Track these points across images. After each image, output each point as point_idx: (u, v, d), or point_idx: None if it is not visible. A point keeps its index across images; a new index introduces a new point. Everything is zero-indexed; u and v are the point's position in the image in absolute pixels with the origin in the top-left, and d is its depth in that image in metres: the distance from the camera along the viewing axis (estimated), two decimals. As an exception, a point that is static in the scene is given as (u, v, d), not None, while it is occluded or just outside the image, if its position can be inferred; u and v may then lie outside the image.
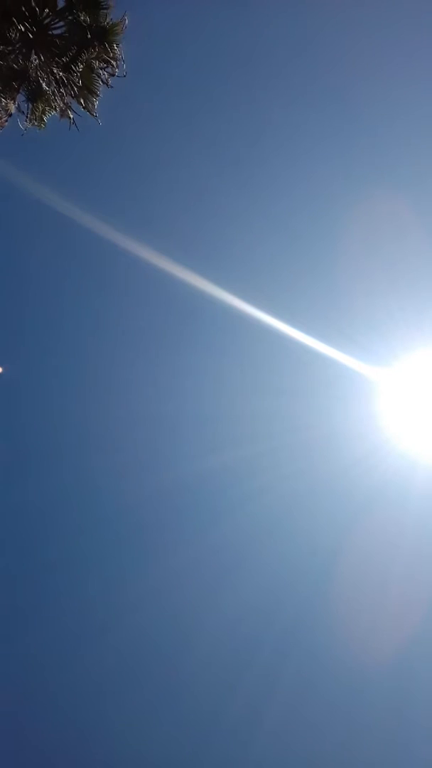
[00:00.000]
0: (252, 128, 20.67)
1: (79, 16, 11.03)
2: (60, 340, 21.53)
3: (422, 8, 18.69)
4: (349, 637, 20.75)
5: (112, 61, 11.58)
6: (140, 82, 17.65)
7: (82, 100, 11.86)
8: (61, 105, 11.94)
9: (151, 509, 21.53)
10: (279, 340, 20.39)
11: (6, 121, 11.53)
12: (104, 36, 11.28)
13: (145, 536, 21.76)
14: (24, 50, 11.16)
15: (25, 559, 21.07)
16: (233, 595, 21.32)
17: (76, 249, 20.61)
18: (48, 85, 11.62)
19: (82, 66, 11.41)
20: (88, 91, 11.82)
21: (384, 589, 21.34)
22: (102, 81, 11.85)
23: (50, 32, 11.31)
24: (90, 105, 11.97)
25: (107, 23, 11.27)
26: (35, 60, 11.33)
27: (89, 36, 11.15)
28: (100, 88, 11.93)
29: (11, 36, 10.77)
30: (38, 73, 11.47)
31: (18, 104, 11.78)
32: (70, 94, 11.76)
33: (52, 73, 11.45)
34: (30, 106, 12.03)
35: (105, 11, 11.18)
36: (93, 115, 12.07)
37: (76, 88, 11.68)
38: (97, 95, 11.97)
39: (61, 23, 11.29)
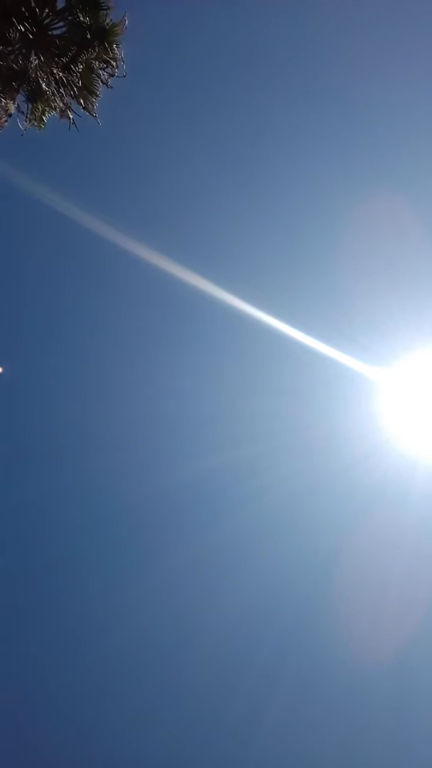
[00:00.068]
0: (252, 128, 20.69)
1: (79, 17, 11.03)
2: (60, 340, 21.55)
3: (422, 8, 18.70)
4: (349, 637, 20.76)
5: (112, 62, 11.57)
6: (140, 83, 17.66)
7: (81, 101, 11.85)
8: (61, 105, 11.94)
9: (151, 509, 21.55)
10: (279, 340, 20.41)
11: (6, 121, 11.54)
12: (104, 36, 11.27)
13: (145, 536, 21.79)
14: (24, 50, 11.16)
15: (25, 559, 21.10)
16: (233, 595, 21.34)
17: (76, 249, 20.63)
18: (48, 85, 11.62)
19: (81, 66, 11.40)
20: (87, 91, 11.81)
21: (384, 589, 21.35)
22: (102, 81, 11.84)
23: (50, 32, 11.29)
24: (90, 105, 11.96)
25: (107, 24, 11.26)
26: (35, 60, 11.32)
27: (89, 36, 11.14)
28: (100, 89, 11.93)
29: (11, 36, 10.76)
30: (38, 73, 11.46)
31: (18, 104, 11.78)
32: (70, 95, 11.76)
33: (52, 74, 11.45)
34: (30, 106, 12.03)
35: (105, 12, 11.18)
36: (93, 115, 12.06)
37: (75, 89, 11.67)
38: (97, 95, 11.96)
39: (61, 23, 11.28)
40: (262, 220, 21.32)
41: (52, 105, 12.00)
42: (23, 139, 12.15)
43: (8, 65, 11.11)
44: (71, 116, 12.07)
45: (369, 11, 18.93)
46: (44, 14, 11.08)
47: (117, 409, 21.27)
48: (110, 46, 11.42)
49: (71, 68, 11.34)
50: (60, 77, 11.47)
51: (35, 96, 11.88)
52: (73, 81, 11.52)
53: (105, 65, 11.65)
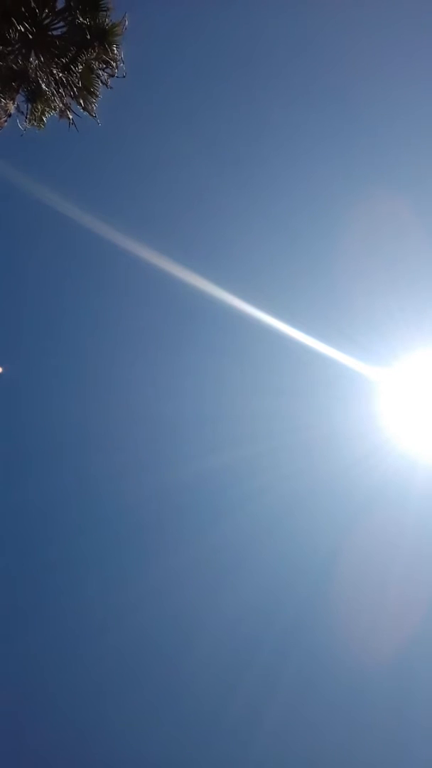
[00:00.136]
0: (252, 128, 20.69)
1: (78, 17, 11.04)
2: (60, 340, 21.56)
3: (422, 8, 18.70)
4: (349, 637, 20.76)
5: (112, 62, 11.57)
6: (140, 83, 17.68)
7: (81, 101, 11.85)
8: (61, 105, 11.95)
9: (151, 509, 21.56)
10: (279, 340, 20.42)
11: (5, 121, 11.55)
12: (104, 37, 11.27)
13: (145, 536, 21.80)
14: (24, 51, 11.16)
15: (25, 559, 21.10)
16: (233, 595, 21.35)
17: (76, 249, 20.64)
18: (47, 85, 11.62)
19: (81, 67, 11.40)
20: (87, 91, 11.80)
21: (384, 589, 21.36)
22: (101, 82, 11.84)
23: (50, 33, 11.30)
24: (89, 106, 11.96)
25: (107, 24, 11.26)
26: (35, 60, 11.33)
27: (89, 37, 11.14)
28: (100, 89, 11.93)
29: (11, 36, 10.77)
30: (38, 73, 11.46)
31: (17, 104, 11.79)
32: (70, 95, 11.76)
33: (52, 74, 11.45)
34: (29, 106, 12.03)
35: (105, 12, 11.18)
36: (92, 115, 12.06)
37: (75, 89, 11.68)
38: (97, 96, 11.96)
39: (61, 24, 11.28)
40: (262, 220, 21.35)
41: (52, 105, 12.01)
42: (23, 139, 12.17)
43: (8, 65, 11.12)
44: (71, 116, 12.07)
45: (369, 11, 18.95)
46: (44, 14, 11.07)
47: (117, 409, 21.30)
48: (110, 46, 11.42)
49: (71, 68, 11.34)
50: (60, 77, 11.47)
51: (35, 96, 11.88)
52: (72, 81, 11.53)
53: (105, 66, 11.65)
